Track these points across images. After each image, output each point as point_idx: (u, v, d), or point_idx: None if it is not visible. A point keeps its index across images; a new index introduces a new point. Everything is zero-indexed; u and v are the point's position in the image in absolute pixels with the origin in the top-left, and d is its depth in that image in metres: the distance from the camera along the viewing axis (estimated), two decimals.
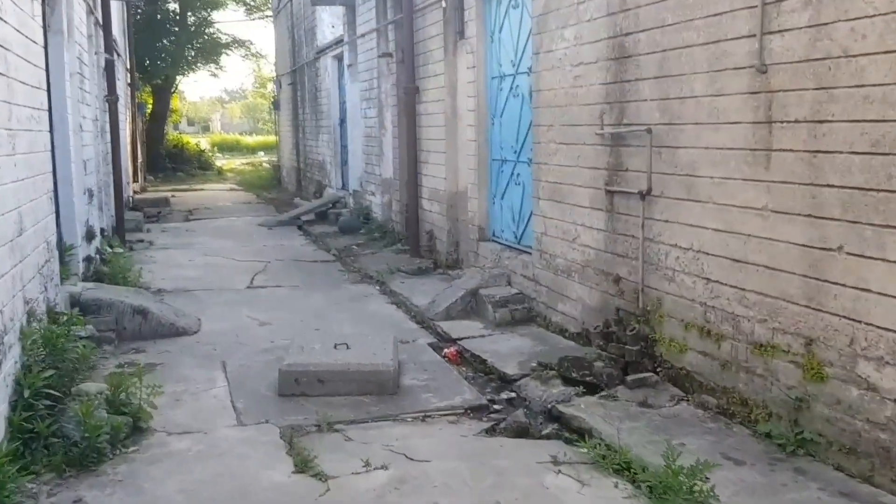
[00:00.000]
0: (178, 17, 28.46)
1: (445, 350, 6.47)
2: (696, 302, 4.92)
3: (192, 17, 29.04)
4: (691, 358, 4.99)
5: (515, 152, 7.73)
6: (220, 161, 36.43)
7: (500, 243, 8.18)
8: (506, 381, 5.75)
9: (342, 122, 15.65)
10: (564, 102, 6.40)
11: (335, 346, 5.69)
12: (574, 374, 5.32)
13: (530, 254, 7.31)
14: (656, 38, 5.18)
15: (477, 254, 8.47)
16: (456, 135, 9.17)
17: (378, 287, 8.91)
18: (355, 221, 13.13)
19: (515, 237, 7.85)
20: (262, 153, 43.73)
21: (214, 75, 43.68)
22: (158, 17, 27.50)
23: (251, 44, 44.89)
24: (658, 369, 5.27)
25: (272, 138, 43.80)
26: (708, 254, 4.79)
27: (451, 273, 9.14)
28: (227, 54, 31.01)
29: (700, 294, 4.88)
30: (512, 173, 7.85)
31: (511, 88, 7.75)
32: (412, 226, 10.31)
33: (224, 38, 30.69)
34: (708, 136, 4.75)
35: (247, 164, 35.76)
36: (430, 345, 6.64)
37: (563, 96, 6.41)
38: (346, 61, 14.34)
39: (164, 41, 27.47)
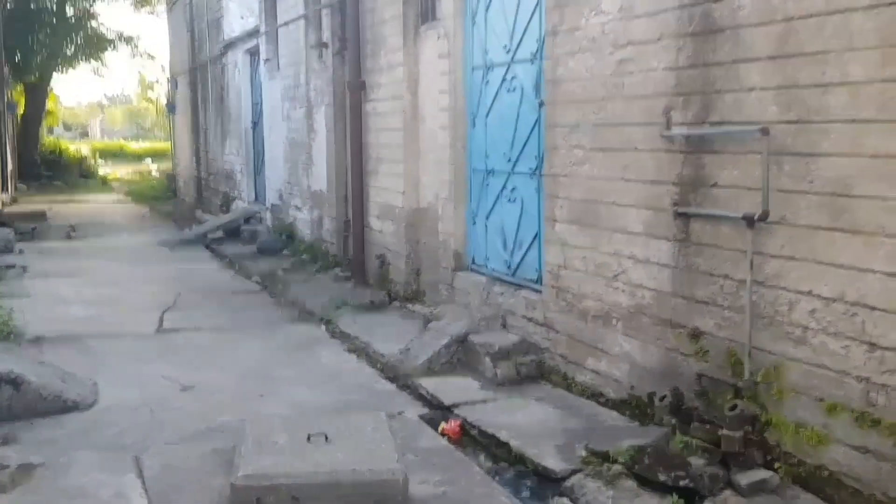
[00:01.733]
0: (55, 9, 25.47)
1: (444, 426, 4.79)
2: (849, 375, 3.45)
3: (72, 9, 26.09)
4: (839, 454, 3.51)
5: (509, 161, 6.15)
6: (104, 169, 33.23)
7: (483, 274, 6.56)
8: (546, 478, 4.14)
9: (256, 125, 13.68)
10: (601, 95, 4.86)
11: (309, 439, 3.92)
12: (662, 476, 3.75)
13: (538, 291, 5.73)
14: (773, 2, 3.70)
15: (452, 286, 6.82)
16: (418, 139, 7.51)
17: (325, 327, 7.12)
18: (277, 241, 11.22)
19: (508, 267, 6.25)
20: (149, 160, 40.49)
21: (98, 74, 39.88)
22: (33, 6, 24.49)
23: (139, 39, 41.42)
24: (776, 465, 3.77)
25: (161, 144, 40.63)
26: (874, 308, 3.33)
27: (413, 308, 7.46)
28: (114, 49, 28.10)
29: (858, 364, 3.41)
30: (504, 187, 6.26)
31: (503, 81, 6.16)
32: (357, 249, 8.56)
33: (109, 34, 27.81)
34: (877, 140, 3.29)
35: (135, 172, 32.72)
36: (423, 418, 4.94)
37: (599, 87, 4.87)
38: (262, 55, 12.42)
39: (40, 34, 24.47)
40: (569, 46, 5.13)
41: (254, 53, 13.38)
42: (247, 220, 13.08)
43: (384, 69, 7.92)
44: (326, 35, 9.45)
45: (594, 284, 5.02)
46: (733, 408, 3.90)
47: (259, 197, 13.72)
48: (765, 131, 3.72)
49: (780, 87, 3.70)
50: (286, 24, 10.85)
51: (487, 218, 6.52)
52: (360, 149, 8.43)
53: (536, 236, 5.83)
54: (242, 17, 15.03)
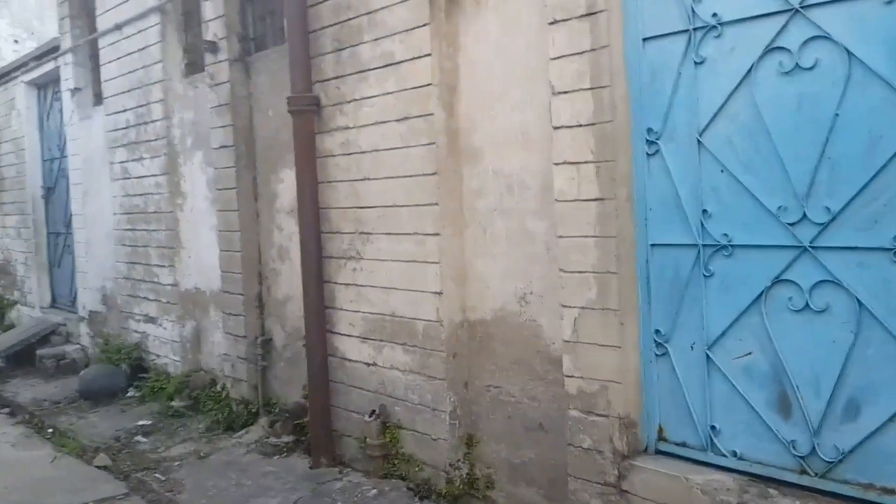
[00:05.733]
0: None
1: None
2: None
3: None
4: None
5: (797, 223, 2.80)
6: None
7: (705, 464, 3.10)
8: None
9: (51, 191, 9.17)
10: None
11: None
12: None
13: None
14: None
15: (621, 490, 3.26)
16: (461, 194, 3.98)
17: None
18: (115, 374, 6.88)
19: (801, 458, 2.85)
20: None
21: None
22: None
23: None
24: None
25: None
26: None
27: None
28: None
29: None
30: (777, 280, 2.87)
31: (767, 52, 2.83)
32: (318, 396, 4.70)
33: None
34: None
35: None
36: None
37: None
38: (66, 84, 8.08)
39: None
40: None
41: (43, 85, 8.98)
42: (45, 339, 8.49)
43: (371, 70, 4.30)
44: (214, 31, 5.61)
45: None
46: None
47: (59, 301, 9.15)
48: None
49: None
50: (119, 27, 6.79)
51: (711, 347, 3.09)
52: (316, 216, 4.66)
53: None
54: (17, 41, 10.58)
